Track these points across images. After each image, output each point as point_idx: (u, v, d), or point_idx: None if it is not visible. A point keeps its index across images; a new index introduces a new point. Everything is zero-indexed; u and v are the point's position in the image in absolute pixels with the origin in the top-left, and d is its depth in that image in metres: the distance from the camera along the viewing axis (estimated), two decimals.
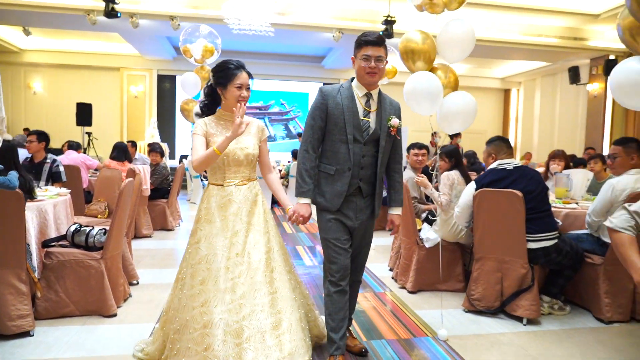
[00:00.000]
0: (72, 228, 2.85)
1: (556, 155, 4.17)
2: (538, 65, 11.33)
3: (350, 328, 2.50)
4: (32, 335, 2.44)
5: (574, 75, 10.06)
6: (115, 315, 2.75)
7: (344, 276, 2.18)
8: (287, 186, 8.25)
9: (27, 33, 9.31)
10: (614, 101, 9.74)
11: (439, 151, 3.37)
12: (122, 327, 2.62)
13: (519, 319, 2.80)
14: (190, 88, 5.54)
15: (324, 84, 12.19)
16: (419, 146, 4.13)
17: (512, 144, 12.70)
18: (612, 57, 9.55)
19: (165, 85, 11.88)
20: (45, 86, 11.22)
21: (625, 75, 2.47)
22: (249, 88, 2.20)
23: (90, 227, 2.86)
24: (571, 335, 2.64)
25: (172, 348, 2.02)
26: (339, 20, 8.77)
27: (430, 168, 4.60)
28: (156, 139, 10.12)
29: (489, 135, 12.21)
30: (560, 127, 11.07)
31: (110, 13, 7.61)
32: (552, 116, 11.30)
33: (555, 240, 2.75)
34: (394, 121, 2.16)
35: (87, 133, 9.70)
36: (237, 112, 2.03)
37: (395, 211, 2.30)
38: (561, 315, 2.94)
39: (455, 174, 3.41)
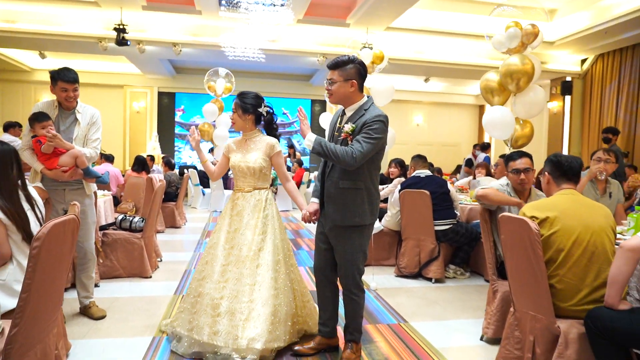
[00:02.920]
0: (120, 217, 4.25)
1: (479, 165, 5.62)
2: None
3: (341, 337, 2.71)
4: (99, 286, 3.80)
5: None
6: (150, 277, 4.14)
7: (318, 276, 2.63)
8: (275, 193, 9.64)
9: (43, 56, 10.76)
10: (571, 118, 11.29)
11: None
12: (155, 283, 4.01)
13: (430, 279, 4.22)
14: (209, 115, 7.19)
15: (312, 100, 13.67)
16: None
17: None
18: (568, 78, 11.12)
19: (165, 102, 13.31)
20: None
21: (491, 116, 3.95)
22: (233, 111, 2.81)
23: (132, 216, 4.25)
24: (461, 288, 4.05)
25: (179, 307, 2.81)
26: (322, 46, 10.28)
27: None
28: (157, 151, 11.52)
29: (464, 147, 13.81)
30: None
31: (121, 42, 9.02)
32: None
33: (451, 226, 4.18)
34: (346, 127, 2.36)
35: None
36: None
37: (310, 135, 2.33)
38: (462, 278, 4.36)
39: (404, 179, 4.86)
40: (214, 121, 8.75)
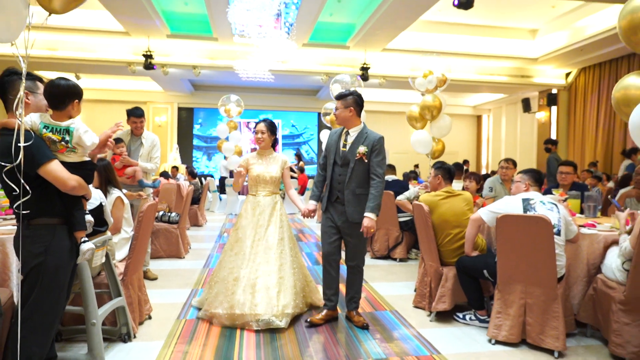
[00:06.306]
0: (161, 213, 5.85)
1: (467, 176, 7.07)
2: (502, 95, 14.29)
3: (355, 307, 3.49)
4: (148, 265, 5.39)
5: (526, 105, 12.99)
6: (184, 257, 5.74)
7: (328, 260, 3.37)
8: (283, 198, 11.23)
9: (78, 77, 12.61)
10: (557, 127, 12.63)
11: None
12: (188, 261, 5.59)
13: (395, 259, 5.71)
14: (222, 133, 9.07)
15: (319, 113, 15.26)
16: None
17: (485, 163, 15.55)
18: (554, 90, 12.48)
19: (184, 116, 15.06)
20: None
21: (417, 138, 5.51)
22: (263, 132, 3.65)
23: (170, 213, 5.85)
24: (417, 266, 5.51)
25: (211, 292, 3.52)
26: (325, 66, 11.85)
27: None
28: (178, 161, 13.23)
29: (461, 155, 15.17)
30: (521, 148, 13.94)
31: (148, 66, 10.77)
32: (515, 139, 14.21)
33: (411, 217, 5.66)
34: (360, 148, 3.21)
35: None
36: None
37: (367, 215, 3.15)
38: None
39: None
40: (227, 137, 10.62)
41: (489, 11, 10.24)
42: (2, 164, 2.01)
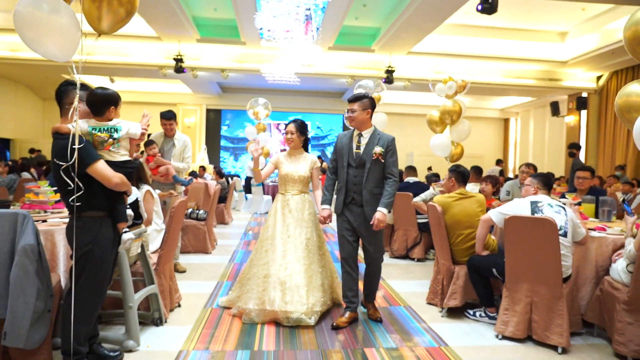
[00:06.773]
0: (189, 211, 6.22)
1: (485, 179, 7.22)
2: (530, 98, 14.23)
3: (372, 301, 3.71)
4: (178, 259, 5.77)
5: (555, 109, 12.91)
6: (210, 253, 6.10)
7: (348, 262, 3.44)
8: None
9: (113, 81, 13.24)
10: (587, 131, 12.50)
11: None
12: (214, 257, 5.94)
13: (413, 259, 5.91)
14: (250, 135, 9.64)
15: (343, 116, 15.53)
16: None
17: (512, 167, 15.48)
18: (584, 94, 12.37)
19: (212, 117, 15.57)
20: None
21: (436, 141, 5.62)
22: (293, 133, 3.73)
23: (198, 210, 6.22)
24: None
25: (243, 288, 3.65)
26: (350, 69, 12.11)
27: None
28: (206, 161, 13.71)
29: (487, 158, 15.18)
30: (549, 152, 13.85)
31: (179, 69, 11.26)
32: (543, 143, 14.12)
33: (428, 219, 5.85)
34: (376, 149, 3.30)
35: None
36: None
37: (380, 210, 3.28)
38: None
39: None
40: (255, 138, 11.14)
41: (516, 14, 10.28)
42: (60, 162, 2.36)
